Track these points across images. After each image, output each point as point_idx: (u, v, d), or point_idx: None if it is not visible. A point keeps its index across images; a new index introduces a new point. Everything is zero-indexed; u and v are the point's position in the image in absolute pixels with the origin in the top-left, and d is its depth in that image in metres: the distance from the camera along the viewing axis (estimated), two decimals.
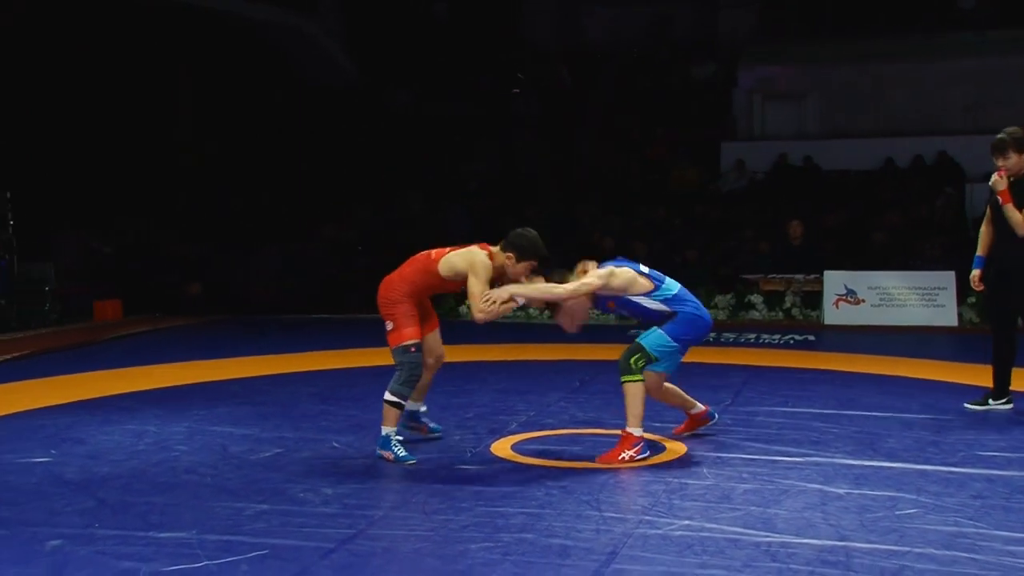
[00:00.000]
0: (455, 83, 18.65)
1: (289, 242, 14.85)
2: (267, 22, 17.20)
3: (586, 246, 14.56)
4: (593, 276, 5.32)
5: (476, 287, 5.34)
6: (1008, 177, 6.37)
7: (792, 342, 10.64)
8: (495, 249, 5.47)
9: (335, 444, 5.94)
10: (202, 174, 16.44)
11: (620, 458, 5.28)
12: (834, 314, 12.06)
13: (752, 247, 13.70)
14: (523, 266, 5.38)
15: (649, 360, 5.32)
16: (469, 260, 5.41)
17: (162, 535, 4.27)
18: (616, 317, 13.30)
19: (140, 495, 4.90)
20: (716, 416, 6.03)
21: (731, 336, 11.03)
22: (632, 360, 5.31)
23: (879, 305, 12.03)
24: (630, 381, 5.31)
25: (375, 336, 11.09)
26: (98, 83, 15.15)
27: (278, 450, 5.80)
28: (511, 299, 5.28)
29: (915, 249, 13.22)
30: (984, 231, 6.64)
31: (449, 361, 8.46)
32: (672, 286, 5.44)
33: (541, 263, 5.46)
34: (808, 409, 6.79)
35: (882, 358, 9.34)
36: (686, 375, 8.10)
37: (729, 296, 12.61)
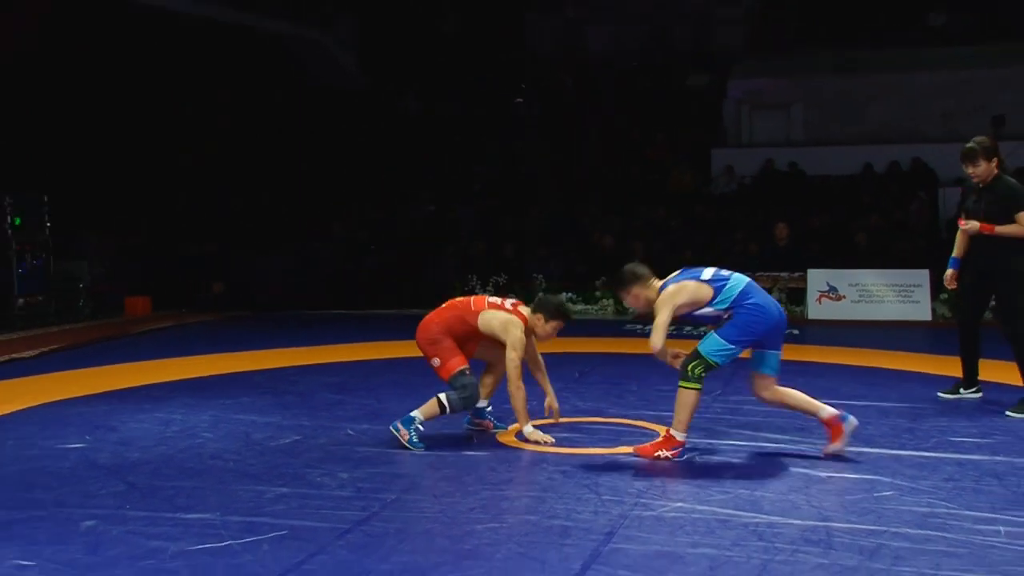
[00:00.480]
0: (462, 91, 18.64)
1: (305, 241, 14.86)
2: (287, 35, 17.22)
3: (585, 245, 14.62)
4: (667, 301, 5.01)
5: (514, 361, 5.42)
6: (977, 183, 6.37)
7: None
8: (526, 313, 5.60)
9: (350, 431, 5.94)
10: (227, 178, 16.45)
11: (656, 454, 5.10)
12: (817, 309, 12.05)
13: (741, 247, 13.70)
14: (552, 326, 5.58)
15: (708, 366, 4.99)
16: (507, 332, 5.49)
17: (189, 516, 4.28)
18: (613, 310, 13.39)
19: (168, 479, 4.91)
20: (849, 417, 5.20)
21: None
22: (690, 367, 5.00)
23: (859, 301, 12.03)
24: (685, 387, 5.02)
25: (387, 330, 11.14)
26: (129, 93, 15.16)
27: (297, 437, 5.81)
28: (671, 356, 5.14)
29: (892, 249, 13.21)
30: (959, 235, 6.62)
31: None
32: (736, 286, 5.07)
33: (566, 323, 5.63)
34: None
35: (861, 350, 9.34)
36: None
37: None
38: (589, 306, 13.07)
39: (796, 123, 18.13)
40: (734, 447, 5.43)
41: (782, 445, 5.46)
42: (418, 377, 7.51)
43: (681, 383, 5.05)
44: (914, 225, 14.13)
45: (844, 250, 13.25)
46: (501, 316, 5.56)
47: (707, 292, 5.05)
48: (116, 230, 14.33)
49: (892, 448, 5.36)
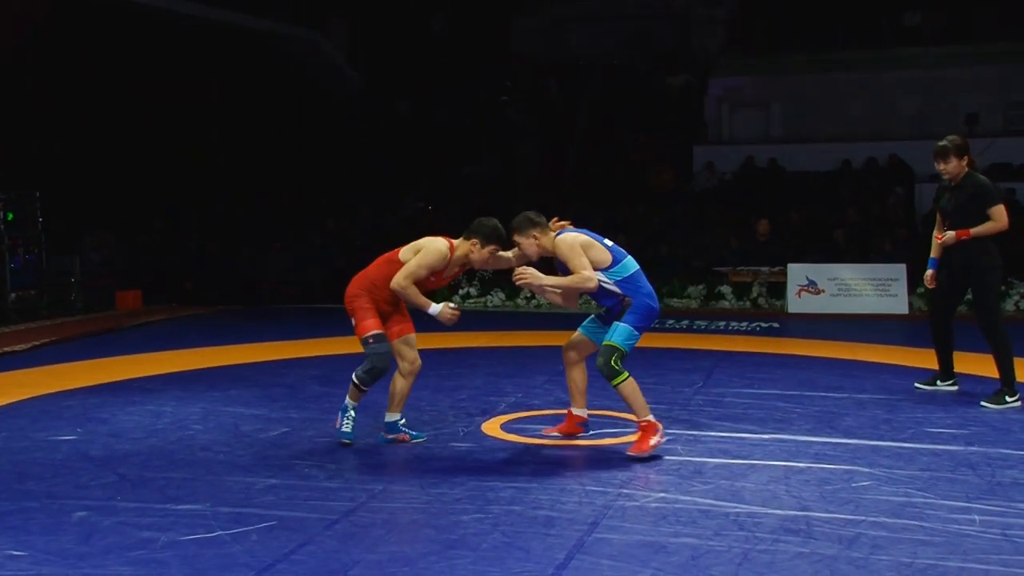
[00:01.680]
0: (451, 91, 18.60)
1: (295, 238, 14.79)
2: (281, 35, 17.12)
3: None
4: (573, 246, 4.97)
5: (412, 264, 5.09)
6: (947, 180, 6.39)
7: (758, 329, 10.65)
8: (457, 241, 5.25)
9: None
10: (218, 175, 16.36)
11: (650, 445, 4.98)
12: (797, 303, 12.07)
13: (722, 242, 13.71)
14: (488, 250, 5.16)
15: (623, 356, 4.97)
16: (423, 244, 5.18)
17: (179, 507, 4.24)
18: (596, 305, 13.38)
19: (159, 471, 4.88)
20: (589, 429, 5.49)
21: (702, 324, 11.03)
22: (612, 362, 4.94)
23: (838, 295, 12.04)
24: (620, 382, 4.96)
25: None
26: (124, 92, 15.05)
27: (285, 429, 5.78)
28: (542, 289, 5.08)
29: (870, 244, 13.25)
30: (935, 235, 6.61)
31: (441, 347, 8.50)
32: (630, 265, 5.07)
33: (502, 246, 5.25)
34: (773, 391, 6.79)
35: (840, 343, 9.36)
36: (661, 358, 8.14)
37: (700, 287, 12.61)
38: None
39: (775, 121, 18.18)
40: (715, 439, 5.43)
41: (762, 436, 5.46)
42: None
43: (614, 382, 4.96)
44: (892, 219, 14.17)
45: (822, 244, 13.29)
46: (421, 241, 5.21)
47: (607, 257, 5.03)
48: (114, 226, 14.22)
49: (870, 439, 5.37)
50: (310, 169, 17.08)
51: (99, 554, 3.69)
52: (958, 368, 6.78)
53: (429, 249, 5.16)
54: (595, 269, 4.99)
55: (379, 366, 5.21)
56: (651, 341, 9.38)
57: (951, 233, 6.26)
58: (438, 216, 15.77)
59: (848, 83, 17.50)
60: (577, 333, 5.36)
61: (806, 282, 12.12)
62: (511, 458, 5.12)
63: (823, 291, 12.07)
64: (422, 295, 5.17)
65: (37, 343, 9.65)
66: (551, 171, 17.16)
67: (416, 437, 5.41)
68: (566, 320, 11.64)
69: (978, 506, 4.14)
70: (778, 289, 12.40)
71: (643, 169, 17.02)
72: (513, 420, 5.97)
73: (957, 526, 3.90)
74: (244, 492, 4.47)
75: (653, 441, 5.00)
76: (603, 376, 5.02)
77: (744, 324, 11.02)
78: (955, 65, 16.81)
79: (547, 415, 6.07)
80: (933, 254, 6.60)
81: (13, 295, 11.86)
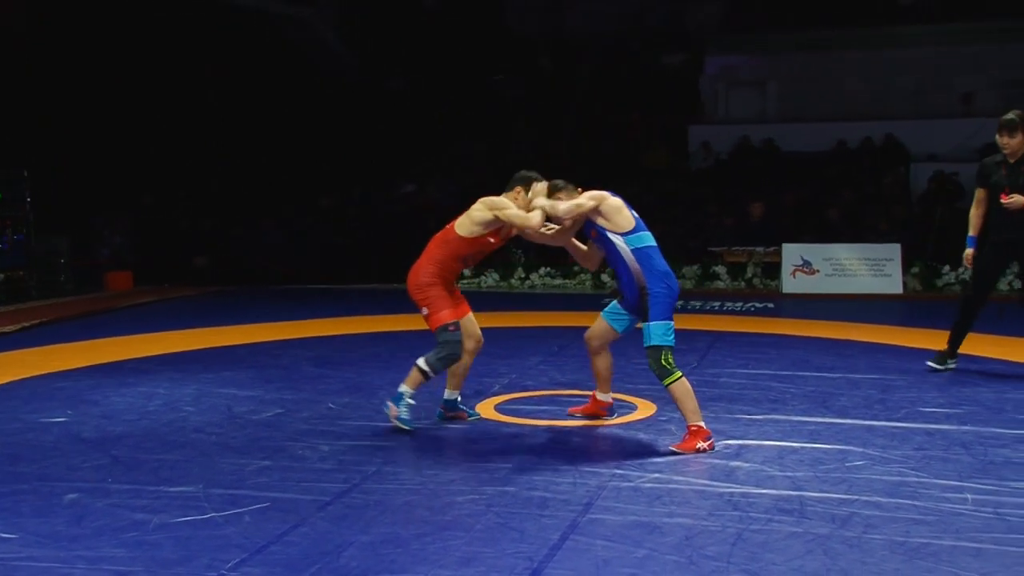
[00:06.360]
0: (444, 68, 18.50)
1: (289, 218, 14.75)
2: (274, 13, 17.00)
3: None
4: (589, 196, 4.94)
5: (511, 209, 5.09)
6: (1002, 156, 6.37)
7: (753, 309, 10.68)
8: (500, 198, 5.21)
9: (332, 405, 5.91)
10: (211, 153, 16.27)
11: (696, 447, 4.76)
12: (791, 283, 12.10)
13: (717, 222, 13.71)
14: (538, 189, 5.15)
15: (671, 350, 4.79)
16: (484, 202, 5.18)
17: (172, 489, 4.24)
18: (591, 285, 13.39)
19: (151, 452, 4.87)
20: (615, 413, 5.49)
21: (697, 304, 11.05)
22: (662, 361, 4.77)
23: (832, 275, 12.08)
24: (671, 382, 4.80)
25: (370, 305, 11.09)
26: (111, 68, 14.94)
27: (279, 411, 5.78)
28: (549, 224, 5.06)
29: (865, 223, 13.26)
30: (975, 213, 6.59)
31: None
32: (648, 237, 4.95)
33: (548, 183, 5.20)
34: (767, 371, 6.82)
35: (834, 323, 9.39)
36: None
37: (696, 267, 12.63)
38: (567, 280, 13.06)
39: (771, 100, 18.13)
40: (709, 417, 5.43)
41: (757, 416, 5.48)
42: (402, 351, 7.49)
43: (664, 381, 4.83)
44: (887, 198, 14.18)
45: (818, 225, 13.29)
46: (474, 205, 5.22)
47: (629, 222, 4.93)
48: (111, 208, 14.18)
49: (864, 419, 5.39)
50: (302, 147, 17.00)
51: (91, 536, 3.69)
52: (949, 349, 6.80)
53: (498, 200, 5.16)
54: (617, 232, 4.90)
55: (455, 353, 5.19)
56: None
57: (1020, 197, 6.18)
58: (429, 195, 15.75)
59: (844, 62, 17.45)
60: (598, 320, 5.25)
61: (801, 262, 12.15)
62: (505, 439, 5.12)
63: (818, 271, 12.10)
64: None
65: (27, 324, 9.62)
66: (545, 149, 17.11)
67: (472, 416, 5.42)
68: (562, 301, 11.67)
69: (971, 485, 4.16)
70: (773, 269, 12.42)
71: (636, 148, 16.99)
72: (507, 401, 5.98)
73: (950, 505, 3.92)
74: (237, 474, 4.47)
75: (702, 445, 4.77)
76: (656, 377, 4.88)
77: (739, 304, 11.04)
78: (952, 44, 16.74)
79: (541, 396, 6.08)
80: (972, 232, 6.57)
81: (1, 276, 11.82)
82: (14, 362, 7.56)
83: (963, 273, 11.59)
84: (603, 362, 5.33)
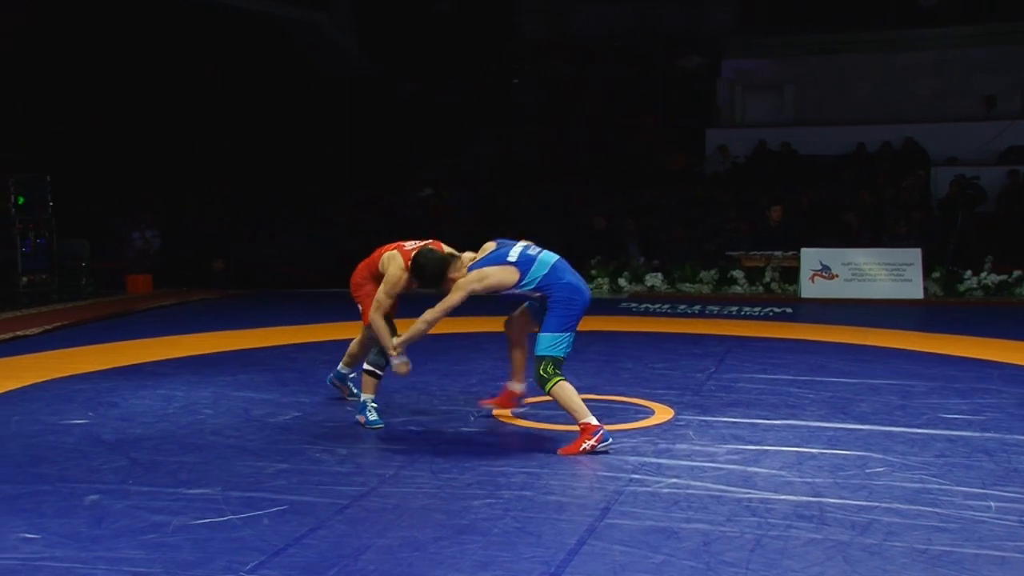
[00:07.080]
0: (458, 74, 18.53)
1: (306, 222, 14.80)
2: (288, 18, 17.08)
3: (580, 225, 14.56)
4: (463, 287, 4.93)
5: (380, 295, 5.39)
6: None
7: (771, 314, 10.62)
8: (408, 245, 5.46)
9: (349, 408, 5.92)
10: (229, 157, 16.37)
11: (581, 448, 4.79)
12: (810, 288, 12.02)
13: (734, 226, 13.65)
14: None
15: (556, 361, 4.87)
16: (387, 264, 5.46)
17: (190, 491, 4.26)
18: (608, 289, 13.37)
19: (170, 455, 4.90)
20: (523, 406, 5.62)
21: (715, 309, 11.00)
22: (542, 370, 4.86)
23: (851, 280, 11.99)
24: (550, 388, 4.85)
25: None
26: (129, 74, 15.05)
27: (296, 414, 5.80)
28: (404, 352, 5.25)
29: (884, 227, 13.17)
30: None
31: (449, 332, 8.49)
32: (541, 267, 4.94)
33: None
34: (785, 376, 6.78)
35: (853, 328, 9.32)
36: (673, 344, 8.12)
37: (713, 271, 12.58)
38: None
39: (788, 103, 18.05)
40: (727, 423, 5.42)
41: (775, 422, 5.45)
42: (417, 354, 7.48)
43: (544, 388, 4.87)
44: (906, 202, 14.08)
45: (836, 230, 13.21)
46: (390, 253, 5.50)
47: (512, 276, 4.94)
48: (127, 209, 14.29)
49: (884, 425, 5.35)
50: (320, 151, 17.07)
51: (111, 537, 3.71)
52: (971, 353, 6.74)
53: (388, 276, 5.40)
54: (507, 289, 4.99)
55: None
56: (663, 326, 9.37)
57: None
58: (444, 200, 15.78)
59: (862, 64, 17.33)
60: (520, 309, 5.43)
61: (819, 267, 12.07)
62: (522, 443, 5.12)
63: (837, 276, 12.02)
64: (389, 335, 5.31)
65: (49, 327, 9.69)
66: (558, 154, 17.10)
67: (374, 423, 5.43)
68: None
69: (994, 492, 4.12)
70: (791, 274, 12.35)
71: (652, 152, 16.95)
72: (525, 405, 5.96)
73: (973, 512, 3.88)
74: (255, 476, 4.49)
75: (587, 444, 4.79)
76: (539, 386, 4.94)
77: (757, 309, 10.99)
78: (972, 46, 16.60)
79: None
80: None
81: (24, 279, 11.93)
82: (36, 365, 7.62)
83: (985, 278, 11.50)
84: (519, 354, 5.49)
